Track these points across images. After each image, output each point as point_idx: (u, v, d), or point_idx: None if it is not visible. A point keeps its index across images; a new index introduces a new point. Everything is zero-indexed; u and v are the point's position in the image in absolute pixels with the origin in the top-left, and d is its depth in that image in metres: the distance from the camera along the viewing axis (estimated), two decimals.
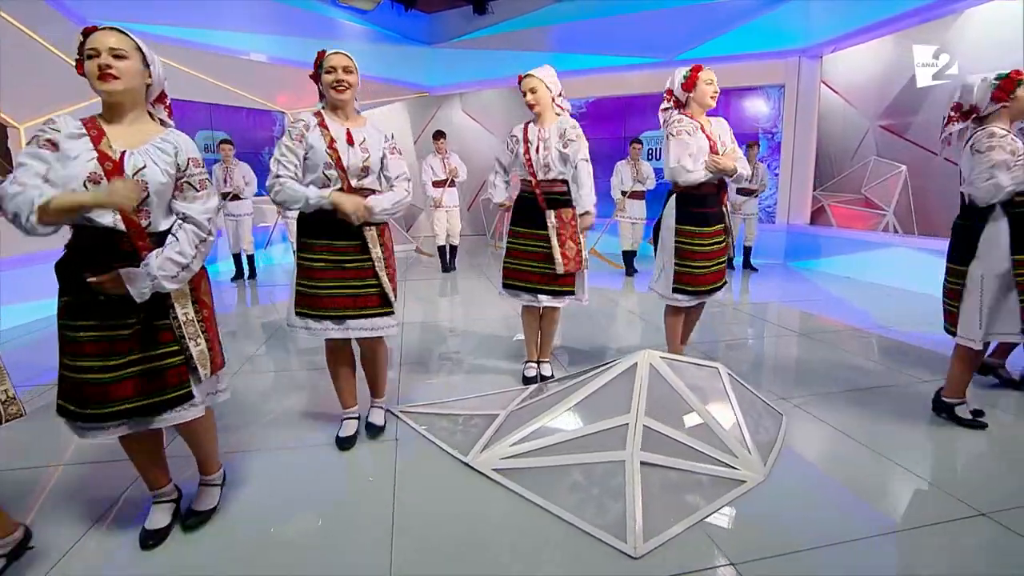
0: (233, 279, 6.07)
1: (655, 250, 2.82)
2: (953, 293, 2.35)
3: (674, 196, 2.66)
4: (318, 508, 1.86)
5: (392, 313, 2.19)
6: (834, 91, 6.45)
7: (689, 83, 2.57)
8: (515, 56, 8.29)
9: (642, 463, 1.84)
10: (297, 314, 2.14)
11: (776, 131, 6.88)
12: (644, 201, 6.12)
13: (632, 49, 7.31)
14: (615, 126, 8.08)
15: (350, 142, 2.10)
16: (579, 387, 2.23)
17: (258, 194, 6.27)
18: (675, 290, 2.68)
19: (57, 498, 1.91)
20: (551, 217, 2.66)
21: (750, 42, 6.53)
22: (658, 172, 6.22)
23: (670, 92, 2.66)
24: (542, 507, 1.80)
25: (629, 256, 6.22)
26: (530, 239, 2.73)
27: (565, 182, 2.71)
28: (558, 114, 2.71)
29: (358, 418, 2.39)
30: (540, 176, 2.69)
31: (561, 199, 2.71)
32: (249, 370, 3.21)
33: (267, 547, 1.66)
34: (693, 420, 2.08)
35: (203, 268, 1.63)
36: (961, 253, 2.30)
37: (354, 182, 2.11)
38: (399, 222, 8.70)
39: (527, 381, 2.88)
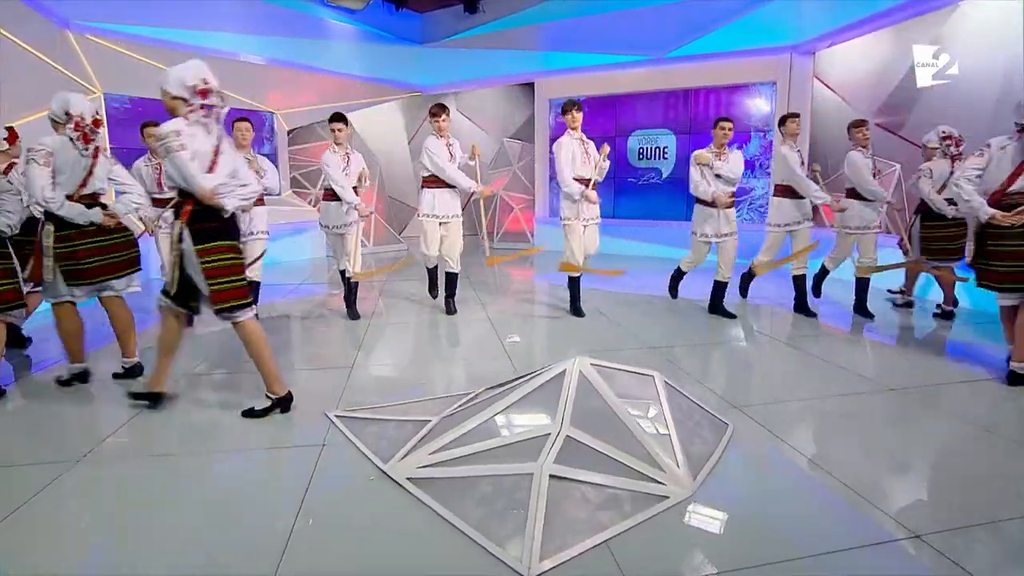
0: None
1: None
2: None
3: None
4: (222, 508, 1.81)
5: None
6: (829, 88, 6.26)
7: None
8: (508, 54, 8.23)
9: (553, 476, 1.76)
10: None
11: (768, 129, 6.71)
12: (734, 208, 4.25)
13: (622, 47, 7.19)
14: (606, 124, 7.95)
15: None
16: (506, 394, 2.15)
17: None
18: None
19: None
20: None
21: (741, 39, 6.37)
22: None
23: None
24: (447, 519, 1.72)
25: (720, 291, 4.27)
26: None
27: (174, 190, 2.40)
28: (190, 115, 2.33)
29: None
30: None
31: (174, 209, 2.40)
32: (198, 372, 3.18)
33: (156, 543, 1.61)
34: (619, 431, 1.98)
35: None
36: None
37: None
38: (392, 223, 8.68)
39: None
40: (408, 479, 1.94)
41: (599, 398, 2.06)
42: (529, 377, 2.21)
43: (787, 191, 4.21)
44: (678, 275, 4.70)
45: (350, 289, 4.35)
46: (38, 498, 1.87)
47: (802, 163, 4.14)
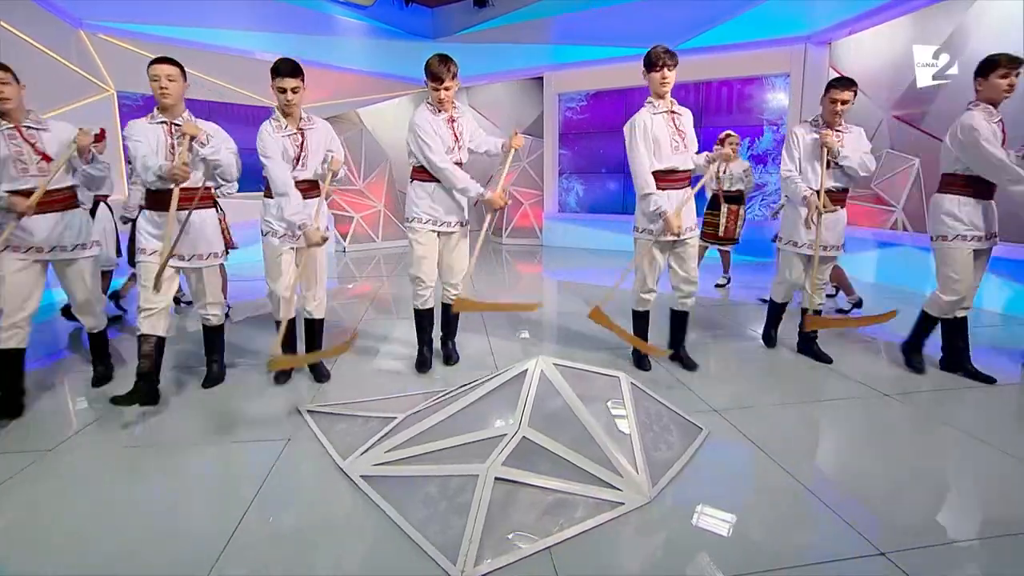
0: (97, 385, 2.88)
1: None
2: None
3: None
4: (176, 501, 1.83)
5: None
6: None
7: None
8: (517, 49, 8.15)
9: (499, 479, 1.71)
10: None
11: (782, 122, 6.48)
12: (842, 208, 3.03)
13: (632, 39, 7.03)
14: (616, 117, 7.80)
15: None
16: (467, 393, 2.11)
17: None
18: None
19: None
20: None
21: (753, 30, 6.16)
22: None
23: None
24: (392, 519, 1.70)
25: (776, 312, 3.36)
26: None
27: None
28: None
29: None
30: None
31: None
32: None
33: (100, 535, 1.63)
34: (578, 433, 1.93)
35: None
36: None
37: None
38: (401, 218, 8.72)
39: None
40: (362, 476, 1.92)
41: (560, 399, 2.01)
42: (492, 376, 2.16)
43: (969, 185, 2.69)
44: (774, 313, 3.34)
45: (314, 337, 2.95)
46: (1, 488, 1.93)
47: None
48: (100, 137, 4.11)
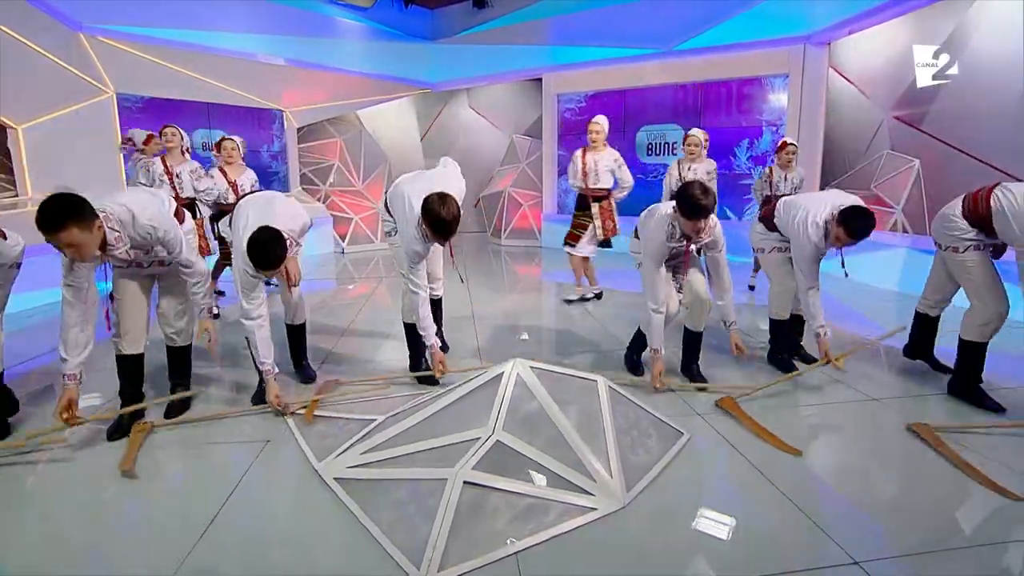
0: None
1: None
2: None
3: None
4: (150, 501, 1.83)
5: None
6: (846, 79, 5.94)
7: None
8: (517, 50, 8.16)
9: (468, 483, 1.70)
10: None
11: (780, 123, 6.42)
12: None
13: (630, 40, 7.01)
14: (614, 118, 7.76)
15: None
16: (443, 396, 2.10)
17: None
18: None
19: None
20: None
21: (752, 30, 6.11)
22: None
23: None
24: (361, 522, 1.69)
25: (788, 330, 3.10)
26: None
27: None
28: None
29: None
30: None
31: None
32: None
33: (68, 534, 1.64)
34: (552, 437, 1.91)
35: None
36: None
37: None
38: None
39: None
40: (335, 479, 1.92)
41: (536, 402, 1.99)
42: (469, 378, 2.15)
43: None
44: (786, 332, 3.05)
45: (298, 341, 2.96)
46: None
47: None
48: (147, 141, 4.15)
